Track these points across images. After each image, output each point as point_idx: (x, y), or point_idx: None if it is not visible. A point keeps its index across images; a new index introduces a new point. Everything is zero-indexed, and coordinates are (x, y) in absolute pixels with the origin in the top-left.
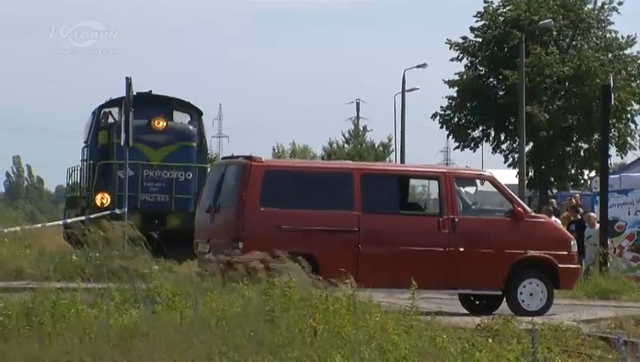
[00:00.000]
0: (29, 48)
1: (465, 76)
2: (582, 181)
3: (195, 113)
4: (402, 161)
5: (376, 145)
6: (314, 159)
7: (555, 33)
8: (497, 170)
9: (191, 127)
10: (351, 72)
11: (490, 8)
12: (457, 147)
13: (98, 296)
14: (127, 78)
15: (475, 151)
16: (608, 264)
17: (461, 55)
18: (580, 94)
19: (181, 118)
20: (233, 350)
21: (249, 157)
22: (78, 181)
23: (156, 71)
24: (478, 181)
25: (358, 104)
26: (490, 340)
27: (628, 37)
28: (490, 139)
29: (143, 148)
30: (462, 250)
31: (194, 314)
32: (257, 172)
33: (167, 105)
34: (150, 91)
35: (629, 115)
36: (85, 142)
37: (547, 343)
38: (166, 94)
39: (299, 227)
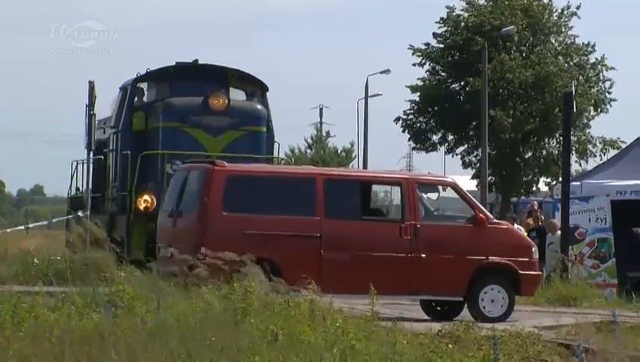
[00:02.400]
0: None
1: (427, 81)
2: (536, 188)
3: (259, 89)
4: (365, 166)
5: (338, 151)
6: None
7: (516, 39)
8: (460, 176)
9: (259, 107)
10: (314, 77)
11: (453, 14)
12: (415, 148)
13: (59, 299)
14: (90, 82)
15: (428, 152)
16: (569, 271)
17: (423, 61)
18: (540, 100)
19: (240, 96)
20: (194, 355)
21: (212, 162)
22: (101, 177)
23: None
24: (440, 187)
25: (321, 109)
26: (451, 346)
27: (588, 43)
28: (447, 142)
29: (198, 135)
30: (423, 255)
31: (155, 318)
32: (220, 177)
33: (221, 78)
34: (196, 60)
35: (584, 121)
36: (114, 127)
37: (508, 349)
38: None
39: (261, 232)
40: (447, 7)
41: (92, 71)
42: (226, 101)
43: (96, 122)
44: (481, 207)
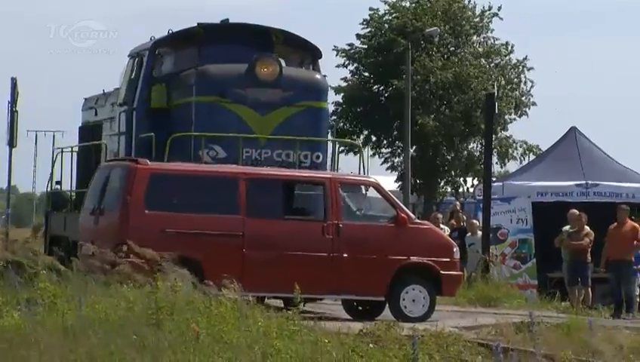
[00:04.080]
0: None
1: (350, 82)
2: (466, 189)
3: (310, 55)
4: None
5: None
6: None
7: (436, 40)
8: (384, 177)
9: (319, 76)
10: None
11: (376, 15)
12: (341, 152)
13: None
14: (12, 79)
15: (355, 154)
16: (491, 271)
17: (347, 62)
18: (462, 101)
19: (288, 63)
20: (116, 353)
21: (134, 160)
22: (94, 169)
23: None
24: (362, 187)
25: None
26: (372, 346)
27: (507, 43)
28: (370, 144)
29: (243, 112)
30: (345, 255)
31: (77, 316)
32: (142, 175)
33: (264, 41)
34: (226, 20)
35: (505, 124)
36: (124, 104)
37: (428, 349)
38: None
39: (184, 231)
40: (371, 9)
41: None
42: (278, 69)
43: (83, 101)
44: (403, 207)
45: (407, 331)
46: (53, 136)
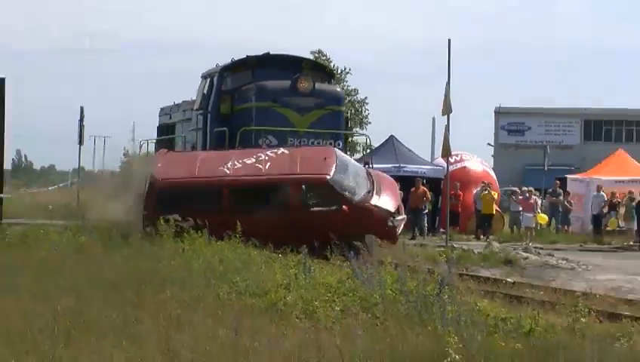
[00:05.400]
0: None
1: None
2: None
3: (327, 76)
4: None
5: None
6: None
7: None
8: None
9: (339, 89)
10: None
11: None
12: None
13: (63, 228)
14: (81, 107)
15: None
16: None
17: None
18: None
19: (313, 80)
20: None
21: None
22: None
23: None
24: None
25: None
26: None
27: (355, 89)
28: None
29: (288, 113)
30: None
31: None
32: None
33: (296, 66)
34: (268, 53)
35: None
36: (200, 109)
37: None
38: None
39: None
40: None
41: None
42: (312, 84)
43: (159, 110)
44: (347, 196)
45: None
46: (104, 140)
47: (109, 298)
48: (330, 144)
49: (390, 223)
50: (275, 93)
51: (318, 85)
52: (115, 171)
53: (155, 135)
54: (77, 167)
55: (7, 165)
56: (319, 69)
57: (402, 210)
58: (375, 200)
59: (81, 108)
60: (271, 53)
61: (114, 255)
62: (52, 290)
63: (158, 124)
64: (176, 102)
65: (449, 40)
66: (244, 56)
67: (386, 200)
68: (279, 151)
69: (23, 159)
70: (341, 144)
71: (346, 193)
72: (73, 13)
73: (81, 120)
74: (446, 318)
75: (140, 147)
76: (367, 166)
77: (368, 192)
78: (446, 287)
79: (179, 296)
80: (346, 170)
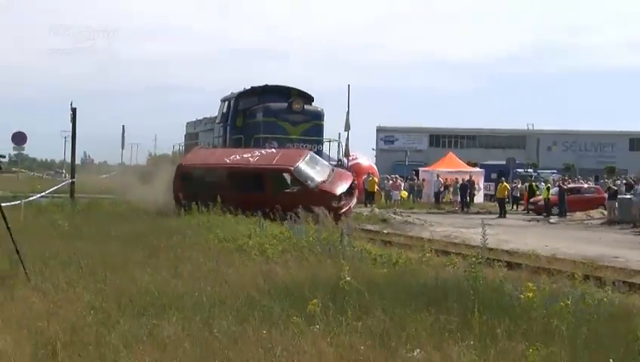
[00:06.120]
0: None
1: None
2: None
3: (308, 99)
4: None
5: None
6: None
7: None
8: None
9: (320, 109)
10: None
11: None
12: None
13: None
14: (122, 126)
15: None
16: None
17: None
18: None
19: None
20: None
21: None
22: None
23: None
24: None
25: None
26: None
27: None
28: None
29: (285, 125)
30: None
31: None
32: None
33: (287, 93)
34: (266, 84)
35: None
36: (222, 122)
37: None
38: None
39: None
40: None
41: None
42: (302, 105)
43: (185, 123)
44: (309, 181)
45: None
46: (137, 145)
47: (139, 242)
48: (314, 148)
49: (335, 203)
50: (276, 112)
51: (306, 106)
52: (145, 165)
53: (174, 141)
54: (120, 162)
55: (78, 161)
56: (303, 94)
57: (353, 196)
58: (326, 187)
59: (123, 127)
60: (268, 84)
61: (142, 217)
62: (104, 238)
63: (185, 133)
64: (198, 118)
65: (349, 85)
66: (250, 87)
67: (334, 187)
68: (270, 150)
69: (87, 157)
70: (322, 148)
71: (307, 181)
72: None
73: (123, 132)
74: (345, 255)
75: (173, 148)
76: (339, 163)
77: (323, 181)
78: (346, 236)
79: (182, 241)
80: (313, 165)
